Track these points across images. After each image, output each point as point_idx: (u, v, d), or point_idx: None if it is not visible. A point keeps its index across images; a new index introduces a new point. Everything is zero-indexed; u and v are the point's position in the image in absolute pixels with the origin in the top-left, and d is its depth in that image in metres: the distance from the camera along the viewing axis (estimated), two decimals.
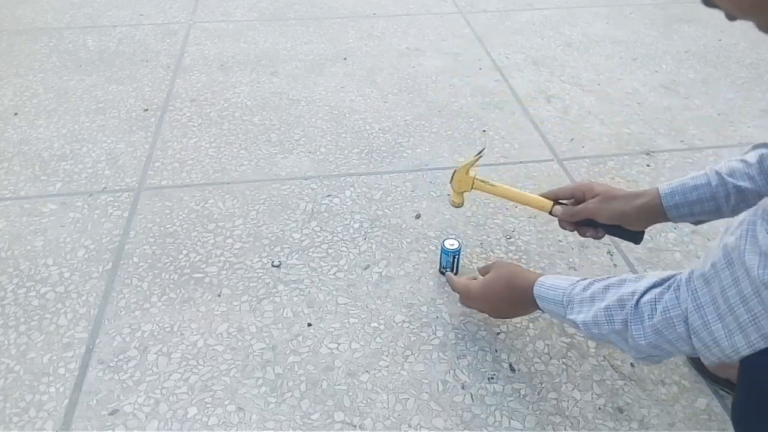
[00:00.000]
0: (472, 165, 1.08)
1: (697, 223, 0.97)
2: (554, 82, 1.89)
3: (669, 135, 1.65)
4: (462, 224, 1.32)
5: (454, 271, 1.17)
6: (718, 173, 0.91)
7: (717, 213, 0.93)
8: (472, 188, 1.09)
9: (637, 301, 0.74)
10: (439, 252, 1.18)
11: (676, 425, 0.93)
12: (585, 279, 0.85)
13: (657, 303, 0.72)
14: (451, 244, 1.15)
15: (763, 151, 0.91)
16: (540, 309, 0.92)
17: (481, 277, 1.05)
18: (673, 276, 0.73)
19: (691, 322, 0.68)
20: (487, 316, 1.09)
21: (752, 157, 0.91)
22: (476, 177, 1.08)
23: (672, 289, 0.71)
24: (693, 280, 0.68)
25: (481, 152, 1.09)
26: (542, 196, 1.07)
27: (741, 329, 0.63)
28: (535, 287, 0.91)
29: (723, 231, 0.68)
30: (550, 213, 1.05)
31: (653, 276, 0.76)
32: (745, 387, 0.68)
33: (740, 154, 0.94)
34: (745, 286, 0.61)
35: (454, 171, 1.10)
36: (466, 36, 2.20)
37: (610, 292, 0.79)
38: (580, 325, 0.82)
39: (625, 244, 1.26)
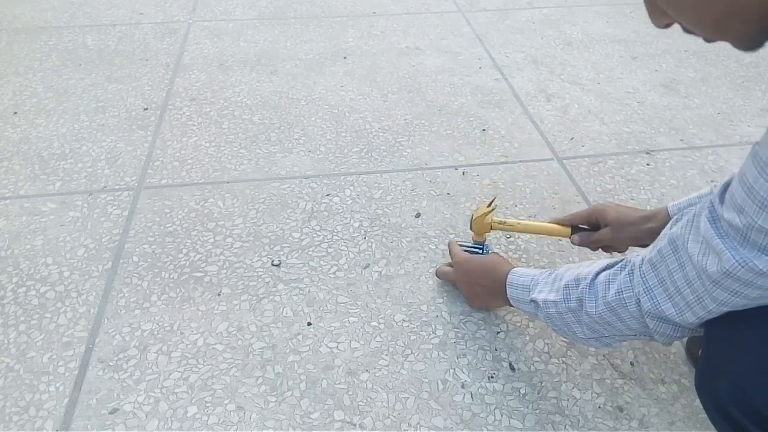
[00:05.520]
0: (487, 213, 1.13)
1: None
2: (554, 81, 1.89)
3: (669, 134, 1.65)
4: (462, 223, 1.32)
5: None
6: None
7: None
8: (491, 230, 1.15)
9: (592, 280, 0.81)
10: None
11: (675, 424, 0.93)
12: (556, 269, 0.90)
13: (611, 282, 0.78)
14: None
15: None
16: (509, 300, 0.97)
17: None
18: (624, 259, 0.80)
19: (643, 304, 0.74)
20: (486, 316, 1.10)
21: None
22: (493, 220, 1.14)
23: (627, 271, 0.77)
24: (643, 265, 0.74)
25: (492, 201, 1.15)
26: (558, 222, 1.13)
27: (689, 307, 0.69)
28: (509, 275, 0.96)
29: (672, 222, 0.74)
30: (571, 240, 1.11)
31: (607, 260, 0.83)
32: (706, 358, 0.73)
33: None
34: (689, 270, 0.67)
35: (471, 218, 1.15)
36: (466, 35, 2.20)
37: (569, 272, 0.86)
38: (540, 303, 0.88)
39: None
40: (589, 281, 0.81)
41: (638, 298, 0.74)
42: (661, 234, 0.74)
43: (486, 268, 1.03)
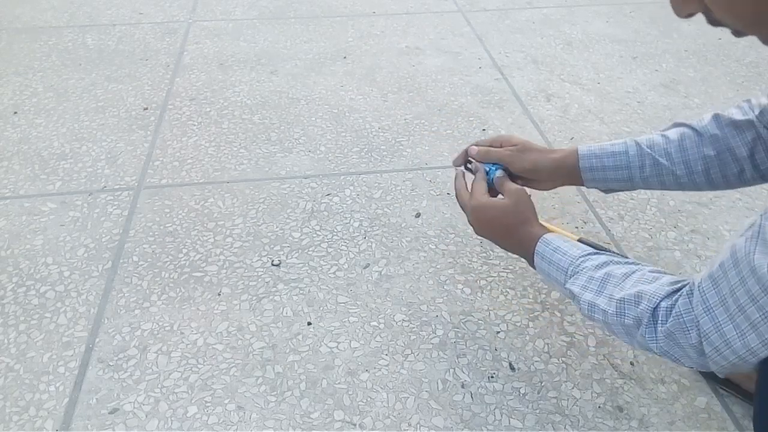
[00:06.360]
0: None
1: (607, 190, 0.97)
2: (554, 81, 1.89)
3: None
4: (462, 224, 1.32)
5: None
6: (637, 144, 0.91)
7: (628, 182, 0.93)
8: None
9: (657, 305, 0.70)
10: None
11: (675, 424, 0.93)
12: (598, 253, 0.79)
13: (672, 308, 0.68)
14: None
15: (685, 129, 0.90)
16: (533, 265, 0.85)
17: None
18: (690, 281, 0.70)
19: (702, 325, 0.64)
20: (487, 316, 1.10)
21: (673, 134, 0.91)
22: None
23: (686, 293, 0.67)
24: (703, 282, 0.65)
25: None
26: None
27: (753, 328, 0.60)
28: (538, 244, 0.83)
29: (734, 233, 0.66)
30: (468, 150, 0.98)
31: (671, 278, 0.72)
32: (766, 394, 0.67)
33: (661, 130, 0.94)
34: (752, 285, 0.59)
35: None
36: (466, 35, 2.20)
37: (628, 283, 0.73)
38: (582, 303, 0.77)
39: (624, 243, 1.26)
40: (653, 305, 0.70)
41: (697, 321, 0.65)
42: (723, 247, 0.65)
43: (508, 225, 0.87)
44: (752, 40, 0.61)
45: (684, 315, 0.66)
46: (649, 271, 0.74)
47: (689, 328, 0.66)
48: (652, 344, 0.70)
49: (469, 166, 1.00)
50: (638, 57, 2.05)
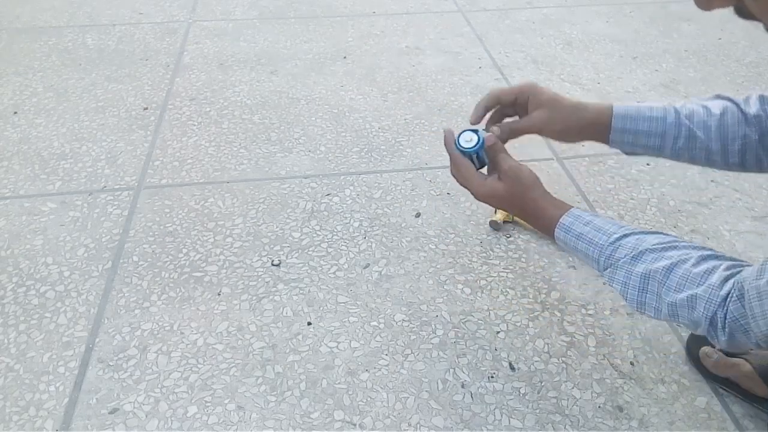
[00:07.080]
0: None
1: (630, 153, 0.91)
2: (554, 81, 1.89)
3: None
4: (462, 223, 1.32)
5: (477, 166, 0.93)
6: (677, 111, 0.86)
7: (658, 150, 0.88)
8: (514, 218, 1.25)
9: (713, 314, 0.68)
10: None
11: (675, 424, 0.94)
12: (626, 235, 0.76)
13: (726, 315, 0.68)
14: (468, 140, 0.92)
15: (728, 104, 0.86)
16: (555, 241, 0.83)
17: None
18: (736, 280, 0.68)
19: (752, 329, 0.66)
20: (487, 316, 1.10)
21: (716, 107, 0.86)
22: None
23: (736, 297, 0.67)
24: (746, 291, 0.65)
25: None
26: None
27: None
28: (557, 231, 0.80)
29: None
30: (486, 139, 0.97)
31: (718, 276, 0.69)
32: None
33: (703, 99, 0.89)
34: None
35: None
36: (466, 35, 2.19)
37: (673, 280, 0.71)
38: (628, 300, 0.75)
39: None
40: (709, 315, 0.69)
41: (749, 323, 0.66)
42: None
43: (515, 207, 0.85)
44: (752, 40, 0.59)
45: (740, 319, 0.66)
46: (692, 265, 0.71)
47: (747, 330, 0.66)
48: (715, 342, 0.71)
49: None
50: (638, 57, 2.05)
